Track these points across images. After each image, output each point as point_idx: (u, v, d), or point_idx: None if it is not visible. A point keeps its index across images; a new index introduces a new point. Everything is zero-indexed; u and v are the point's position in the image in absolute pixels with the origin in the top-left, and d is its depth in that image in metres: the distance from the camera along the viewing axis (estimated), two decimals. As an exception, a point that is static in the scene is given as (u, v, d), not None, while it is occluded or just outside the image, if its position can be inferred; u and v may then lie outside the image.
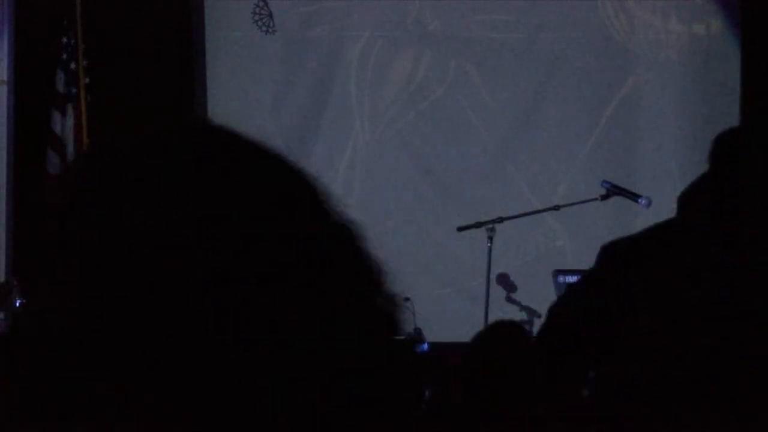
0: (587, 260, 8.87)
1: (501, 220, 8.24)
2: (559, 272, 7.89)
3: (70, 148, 9.00)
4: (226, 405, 1.05)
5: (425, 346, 7.59)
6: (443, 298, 9.21)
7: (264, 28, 9.46)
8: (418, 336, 7.67)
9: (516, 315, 8.72)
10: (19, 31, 9.21)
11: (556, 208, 8.41)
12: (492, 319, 7.42)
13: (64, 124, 9.03)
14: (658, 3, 9.39)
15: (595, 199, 7.93)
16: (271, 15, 9.45)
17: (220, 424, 1.06)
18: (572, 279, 7.76)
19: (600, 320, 3.36)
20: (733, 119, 8.74)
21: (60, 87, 9.04)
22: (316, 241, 1.12)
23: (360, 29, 9.49)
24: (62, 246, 1.10)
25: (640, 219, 7.67)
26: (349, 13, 9.49)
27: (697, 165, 3.84)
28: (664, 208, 6.89)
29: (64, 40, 9.02)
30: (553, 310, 3.52)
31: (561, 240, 9.30)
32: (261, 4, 9.46)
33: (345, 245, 1.14)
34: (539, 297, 8.78)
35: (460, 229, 8.31)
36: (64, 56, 9.02)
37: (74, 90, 9.03)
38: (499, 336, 3.81)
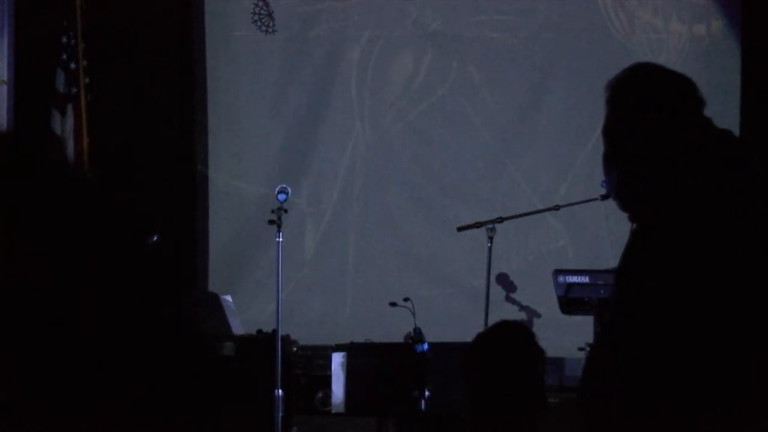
0: (587, 260, 8.91)
1: (501, 220, 8.23)
2: (559, 272, 7.88)
3: (71, 147, 9.00)
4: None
5: (425, 346, 7.59)
6: (443, 298, 9.20)
7: (264, 28, 9.46)
8: (418, 336, 7.66)
9: (516, 315, 8.72)
10: (19, 31, 9.21)
11: (557, 208, 8.41)
12: (492, 319, 7.41)
13: (64, 124, 9.03)
14: (658, 3, 9.39)
15: (595, 199, 7.92)
16: (270, 15, 9.45)
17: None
18: (572, 279, 7.75)
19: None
20: (733, 119, 8.74)
21: (60, 87, 9.04)
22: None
23: (360, 29, 9.49)
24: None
25: (640, 219, 7.67)
26: (349, 13, 9.49)
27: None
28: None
29: (64, 40, 9.02)
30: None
31: (561, 240, 9.29)
32: (261, 4, 9.46)
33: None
34: (539, 297, 8.78)
35: (460, 229, 8.30)
36: (64, 56, 9.02)
37: (74, 90, 9.03)
38: (502, 335, 3.81)
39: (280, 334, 7.73)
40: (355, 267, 9.42)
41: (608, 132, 3.31)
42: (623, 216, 3.29)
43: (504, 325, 3.91)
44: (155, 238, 7.90)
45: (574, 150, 9.30)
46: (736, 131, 8.04)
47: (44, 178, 1.12)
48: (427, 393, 7.40)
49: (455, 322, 8.72)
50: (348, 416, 7.72)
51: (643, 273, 3.17)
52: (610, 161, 3.31)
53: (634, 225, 3.32)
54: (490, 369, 3.72)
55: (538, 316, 8.85)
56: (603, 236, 9.04)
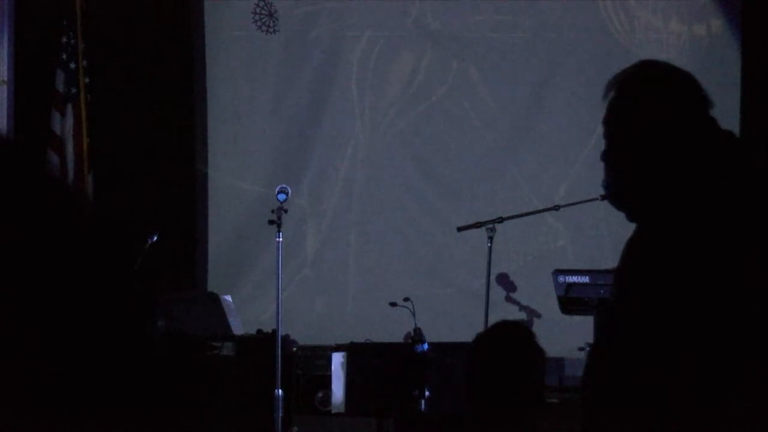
0: (587, 260, 8.91)
1: (501, 220, 8.23)
2: (559, 272, 7.88)
3: (70, 148, 9.00)
4: None
5: (425, 346, 7.59)
6: (443, 298, 9.20)
7: (264, 28, 9.46)
8: (418, 336, 7.66)
9: (516, 315, 8.72)
10: (19, 31, 9.21)
11: (556, 208, 8.41)
12: (492, 319, 7.41)
13: (64, 124, 9.03)
14: (658, 3, 9.39)
15: (595, 199, 7.92)
16: (271, 15, 9.45)
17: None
18: (572, 279, 7.75)
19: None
20: (733, 119, 8.74)
21: (60, 87, 9.04)
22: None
23: (360, 29, 9.49)
24: None
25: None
26: (350, 13, 9.49)
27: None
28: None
29: (64, 40, 9.02)
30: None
31: (561, 240, 9.29)
32: (261, 4, 9.46)
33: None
34: (539, 297, 8.78)
35: (460, 229, 8.30)
36: (64, 56, 9.02)
37: (74, 90, 9.03)
38: (502, 335, 3.80)
39: (280, 334, 7.74)
40: (356, 267, 9.42)
41: (609, 128, 3.30)
42: (623, 216, 3.28)
43: (504, 325, 3.91)
44: (155, 238, 7.91)
45: (574, 150, 9.30)
46: (736, 131, 8.04)
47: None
48: (427, 393, 7.41)
49: (455, 322, 8.73)
50: (348, 416, 7.72)
51: (642, 273, 3.17)
52: (609, 158, 3.30)
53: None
54: (490, 369, 3.72)
55: (538, 316, 8.85)
56: (603, 236, 9.04)
